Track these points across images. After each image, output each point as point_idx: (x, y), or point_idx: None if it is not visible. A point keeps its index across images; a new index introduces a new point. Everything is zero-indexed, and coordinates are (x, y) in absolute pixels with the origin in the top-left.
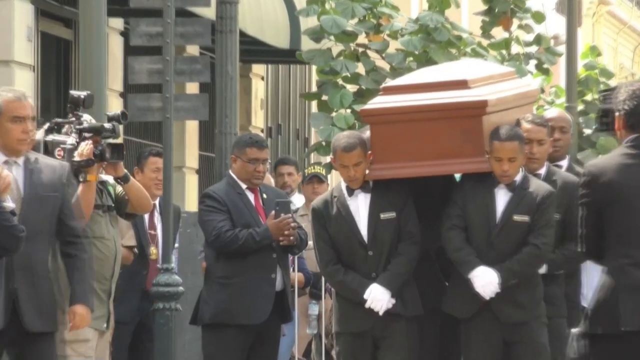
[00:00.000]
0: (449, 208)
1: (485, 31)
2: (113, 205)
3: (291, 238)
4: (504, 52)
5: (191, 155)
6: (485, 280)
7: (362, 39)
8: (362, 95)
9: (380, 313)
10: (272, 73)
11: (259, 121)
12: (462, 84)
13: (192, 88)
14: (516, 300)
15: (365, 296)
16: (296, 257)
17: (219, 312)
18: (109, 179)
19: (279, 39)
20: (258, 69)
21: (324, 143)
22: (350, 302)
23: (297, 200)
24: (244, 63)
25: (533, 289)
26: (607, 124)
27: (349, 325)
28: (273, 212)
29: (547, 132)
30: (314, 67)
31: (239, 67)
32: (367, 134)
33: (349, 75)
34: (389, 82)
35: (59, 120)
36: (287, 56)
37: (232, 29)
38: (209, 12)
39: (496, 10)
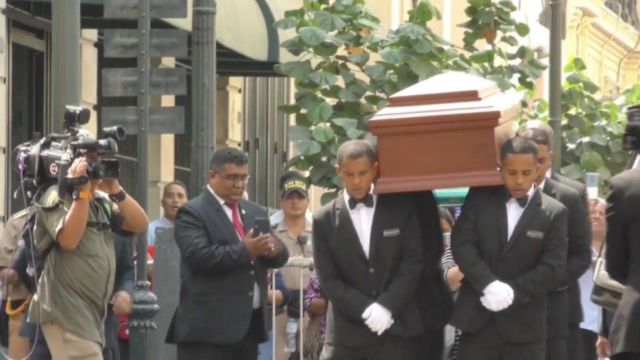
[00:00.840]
0: (460, 222)
1: (468, 43)
2: (109, 223)
3: (272, 249)
4: (486, 64)
5: (167, 170)
6: (500, 297)
7: (341, 51)
8: (342, 109)
9: (379, 333)
10: (250, 85)
11: (236, 135)
12: (472, 95)
13: (168, 101)
14: (523, 319)
15: (364, 315)
16: (274, 274)
17: (195, 330)
18: (106, 195)
19: (257, 50)
20: (235, 81)
21: (302, 157)
22: (347, 316)
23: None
24: (221, 75)
25: (540, 310)
26: (633, 142)
27: (343, 338)
28: (252, 230)
29: (547, 149)
30: (292, 80)
31: (215, 80)
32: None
33: (328, 88)
34: (397, 93)
35: (55, 135)
36: (265, 68)
37: (209, 40)
38: (185, 23)
39: (479, 22)
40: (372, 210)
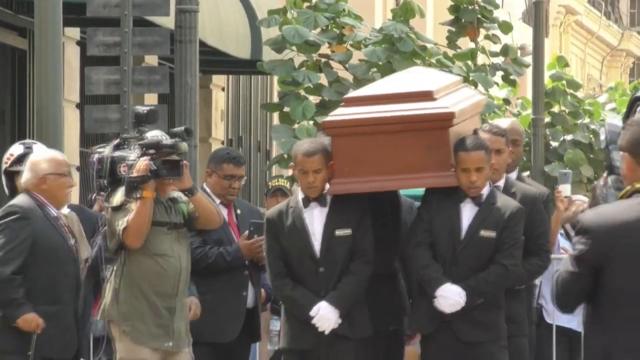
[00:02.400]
0: (414, 223)
1: (451, 41)
2: (183, 222)
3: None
4: (469, 62)
5: None
6: (452, 301)
7: (324, 49)
8: (325, 107)
9: (326, 333)
10: (233, 84)
11: (219, 133)
12: (427, 95)
13: (151, 99)
14: (477, 320)
15: (312, 314)
16: None
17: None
18: (180, 195)
19: (240, 49)
20: (218, 79)
21: (285, 156)
22: (297, 319)
23: None
24: (204, 73)
25: (496, 309)
26: None
27: (294, 342)
28: (246, 232)
29: (505, 141)
30: (275, 78)
31: (198, 78)
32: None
33: (312, 87)
34: (351, 93)
35: (126, 136)
36: (248, 67)
37: (192, 39)
38: (168, 21)
39: (462, 20)
40: (325, 210)
